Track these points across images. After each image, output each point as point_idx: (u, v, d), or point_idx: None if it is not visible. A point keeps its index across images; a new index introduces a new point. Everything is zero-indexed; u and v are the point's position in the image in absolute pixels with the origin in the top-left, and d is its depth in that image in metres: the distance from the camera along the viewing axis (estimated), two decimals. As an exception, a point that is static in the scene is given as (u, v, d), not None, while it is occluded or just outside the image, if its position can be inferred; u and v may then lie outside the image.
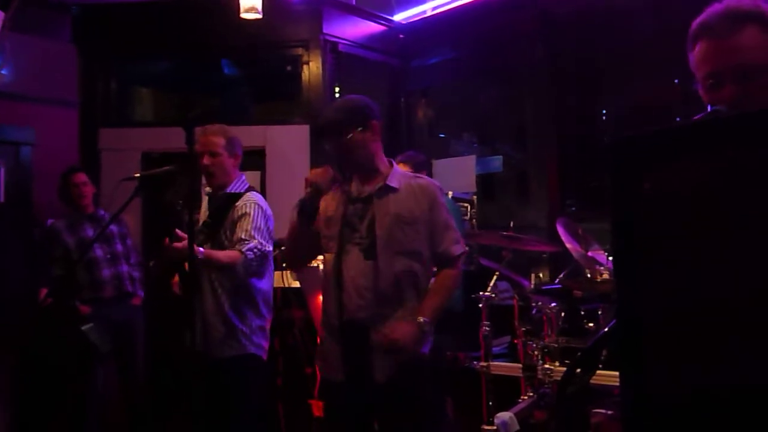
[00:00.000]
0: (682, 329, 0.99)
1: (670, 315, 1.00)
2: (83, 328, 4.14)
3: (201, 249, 2.98)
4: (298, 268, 2.85)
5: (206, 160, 3.30)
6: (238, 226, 3.18)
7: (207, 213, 3.36)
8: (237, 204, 3.24)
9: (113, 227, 4.58)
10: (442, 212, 2.64)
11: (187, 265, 2.95)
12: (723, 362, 0.95)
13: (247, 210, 3.21)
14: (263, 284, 3.29)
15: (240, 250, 3.07)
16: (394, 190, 2.62)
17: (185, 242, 2.85)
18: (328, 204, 2.70)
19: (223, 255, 3.11)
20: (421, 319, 2.50)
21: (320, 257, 4.32)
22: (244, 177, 3.44)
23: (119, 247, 4.62)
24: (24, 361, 4.65)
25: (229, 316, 3.18)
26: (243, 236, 3.13)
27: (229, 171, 3.36)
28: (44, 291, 4.51)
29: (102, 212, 4.69)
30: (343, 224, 2.62)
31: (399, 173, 2.70)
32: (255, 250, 3.10)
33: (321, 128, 2.71)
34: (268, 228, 3.24)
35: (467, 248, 2.70)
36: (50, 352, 4.56)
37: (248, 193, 3.32)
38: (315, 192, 2.59)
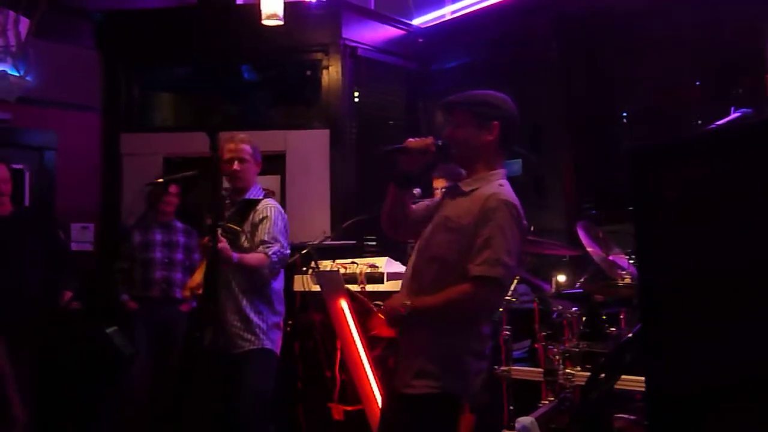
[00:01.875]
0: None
1: (692, 310, 1.01)
2: (107, 331, 4.21)
3: (235, 254, 3.21)
4: (391, 234, 2.72)
5: (236, 166, 3.47)
6: (259, 228, 3.38)
7: (226, 217, 3.54)
8: (257, 208, 3.44)
9: (180, 237, 4.89)
10: (489, 227, 2.29)
11: (206, 266, 3.21)
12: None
13: (268, 214, 3.41)
14: (277, 283, 3.50)
15: (266, 253, 3.29)
16: (462, 193, 2.44)
17: (224, 243, 3.14)
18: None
19: (253, 259, 3.31)
20: (407, 302, 2.34)
21: (339, 261, 4.36)
22: (260, 185, 3.63)
23: (179, 256, 4.84)
24: (46, 362, 4.71)
25: (247, 313, 3.37)
26: (266, 239, 3.34)
27: (251, 178, 3.55)
28: (68, 294, 4.58)
29: (177, 223, 4.93)
30: (431, 216, 2.54)
31: (484, 179, 2.43)
32: (278, 253, 3.34)
33: (448, 105, 2.57)
34: (286, 230, 3.47)
35: (504, 275, 2.30)
36: (73, 354, 4.62)
37: (266, 199, 3.53)
38: (401, 149, 2.44)
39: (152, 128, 6.18)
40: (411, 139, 2.46)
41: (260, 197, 3.53)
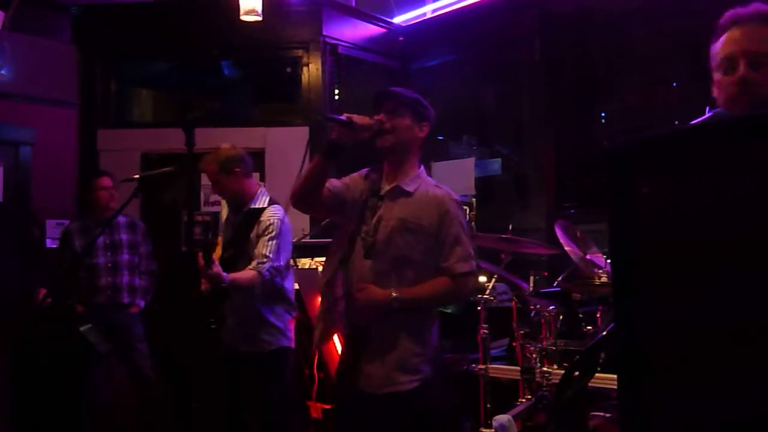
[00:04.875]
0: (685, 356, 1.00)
1: (668, 319, 1.01)
2: (82, 328, 4.14)
3: (227, 276, 3.24)
4: (301, 207, 2.73)
5: (215, 190, 3.63)
6: (261, 240, 3.42)
7: (229, 224, 3.64)
8: (261, 219, 3.48)
9: (123, 235, 4.62)
10: (454, 226, 2.51)
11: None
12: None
13: (271, 224, 3.44)
14: (288, 283, 3.58)
15: (258, 271, 3.33)
16: (407, 193, 2.55)
17: (217, 267, 3.20)
18: (360, 188, 2.66)
19: (244, 279, 3.34)
20: (394, 294, 2.42)
21: (317, 259, 4.34)
22: (263, 189, 3.64)
23: (125, 257, 4.58)
24: (21, 361, 4.65)
25: (264, 314, 3.45)
26: (265, 252, 3.38)
27: (237, 188, 3.57)
28: (43, 291, 4.51)
29: (119, 217, 4.54)
30: (360, 212, 2.58)
31: (420, 179, 2.61)
32: (270, 270, 3.35)
33: (386, 93, 2.62)
34: (286, 242, 3.51)
35: (474, 267, 2.55)
36: (48, 353, 4.56)
37: (271, 207, 3.53)
38: (347, 124, 2.46)
39: (130, 124, 6.13)
40: (356, 116, 2.49)
41: (265, 205, 3.55)
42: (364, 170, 2.72)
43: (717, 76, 1.65)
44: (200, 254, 3.26)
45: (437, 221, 2.50)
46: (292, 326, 3.60)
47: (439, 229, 2.50)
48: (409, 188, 2.56)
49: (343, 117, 2.46)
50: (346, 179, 2.71)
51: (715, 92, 1.68)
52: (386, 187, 2.59)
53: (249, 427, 3.60)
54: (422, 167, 2.67)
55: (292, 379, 3.68)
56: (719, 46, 1.65)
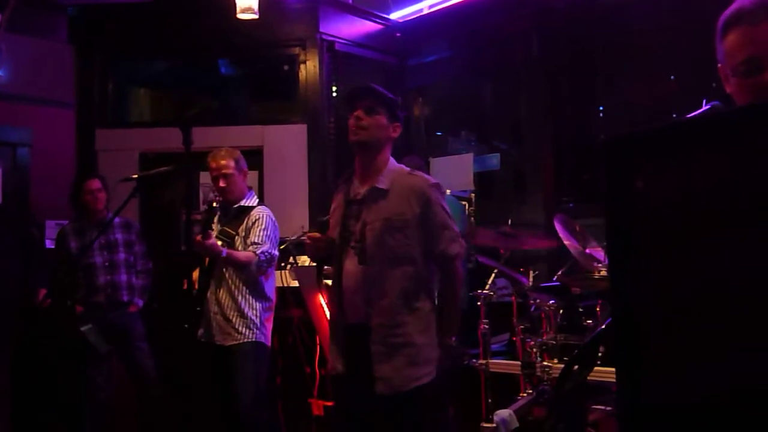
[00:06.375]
0: (681, 325, 1.00)
1: (665, 310, 1.01)
2: (83, 328, 4.15)
3: (224, 249, 3.52)
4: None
5: (222, 183, 3.74)
6: (251, 231, 3.67)
7: (219, 221, 3.83)
8: (251, 214, 3.74)
9: (118, 235, 4.62)
10: (437, 211, 2.56)
11: (206, 261, 3.63)
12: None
13: (260, 218, 3.71)
14: (270, 281, 3.80)
15: (254, 252, 3.58)
16: (383, 192, 2.58)
17: (213, 240, 3.46)
18: (336, 204, 2.74)
19: (242, 255, 3.61)
20: (451, 341, 2.60)
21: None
22: (253, 192, 3.93)
23: (121, 256, 4.58)
24: (21, 360, 4.65)
25: (243, 308, 3.64)
26: (257, 240, 3.63)
27: (241, 187, 3.81)
28: (43, 291, 4.51)
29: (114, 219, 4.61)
30: (341, 227, 2.63)
31: (393, 171, 2.64)
32: (266, 253, 3.62)
33: (365, 89, 2.70)
34: (276, 236, 3.77)
35: (465, 245, 2.69)
36: (48, 353, 4.56)
37: (259, 206, 3.81)
38: (315, 251, 2.71)
39: (128, 124, 6.12)
40: (311, 241, 2.69)
41: (255, 204, 3.81)
42: (340, 188, 2.79)
43: (735, 80, 1.48)
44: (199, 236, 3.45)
45: (420, 211, 2.54)
46: (269, 325, 3.76)
47: (425, 217, 2.55)
48: (384, 186, 2.58)
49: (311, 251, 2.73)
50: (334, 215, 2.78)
51: (730, 90, 1.52)
52: (362, 191, 2.63)
53: None
54: (392, 159, 2.71)
55: (263, 374, 3.76)
56: (732, 47, 1.48)
